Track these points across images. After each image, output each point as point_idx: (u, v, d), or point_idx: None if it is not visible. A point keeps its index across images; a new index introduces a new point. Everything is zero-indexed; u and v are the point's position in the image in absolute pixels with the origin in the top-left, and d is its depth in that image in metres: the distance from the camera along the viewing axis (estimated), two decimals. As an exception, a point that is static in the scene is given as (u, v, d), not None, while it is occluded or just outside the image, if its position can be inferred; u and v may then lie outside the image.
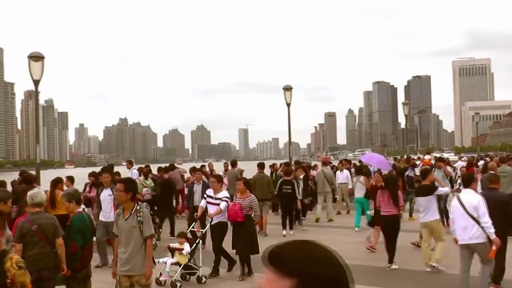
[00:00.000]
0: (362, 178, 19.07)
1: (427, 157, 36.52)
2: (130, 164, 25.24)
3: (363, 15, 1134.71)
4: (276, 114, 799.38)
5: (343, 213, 23.81)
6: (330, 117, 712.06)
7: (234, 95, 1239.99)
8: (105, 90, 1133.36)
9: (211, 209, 12.77)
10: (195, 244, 12.16)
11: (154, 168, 24.01)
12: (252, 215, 12.43)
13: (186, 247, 12.06)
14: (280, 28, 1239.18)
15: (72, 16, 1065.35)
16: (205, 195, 13.29)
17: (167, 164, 23.51)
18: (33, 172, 17.48)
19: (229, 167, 23.73)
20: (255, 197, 12.74)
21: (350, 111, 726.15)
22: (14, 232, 8.11)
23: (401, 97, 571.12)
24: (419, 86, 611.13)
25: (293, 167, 22.45)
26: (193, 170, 21.76)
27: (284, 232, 18.22)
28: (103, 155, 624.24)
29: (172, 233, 18.11)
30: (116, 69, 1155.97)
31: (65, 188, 16.07)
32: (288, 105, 29.57)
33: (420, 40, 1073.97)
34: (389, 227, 13.13)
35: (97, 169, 23.34)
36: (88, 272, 8.81)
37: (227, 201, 12.52)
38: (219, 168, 28.02)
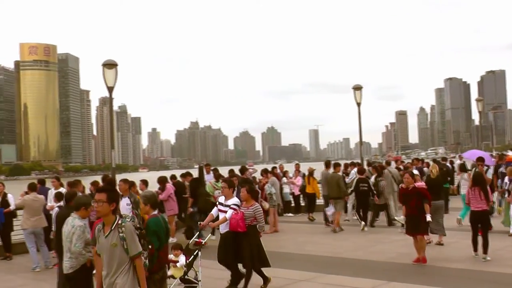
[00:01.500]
0: (466, 175, 19.71)
1: (510, 153, 35.67)
2: (208, 166, 25.14)
3: (432, 10, 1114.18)
4: (346, 114, 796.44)
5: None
6: (401, 115, 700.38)
7: (304, 96, 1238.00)
8: (176, 94, 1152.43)
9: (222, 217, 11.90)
10: (192, 256, 11.38)
11: (225, 171, 24.19)
12: (257, 226, 11.43)
13: (181, 260, 11.50)
14: (350, 27, 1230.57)
15: (144, 23, 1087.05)
16: (217, 202, 12.27)
17: (239, 167, 23.73)
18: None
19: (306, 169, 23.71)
20: (259, 206, 11.74)
21: (422, 109, 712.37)
22: (92, 234, 8.37)
23: (474, 93, 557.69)
24: (493, 82, 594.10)
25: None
26: (264, 172, 21.92)
27: (363, 225, 19.54)
28: (175, 159, 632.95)
29: None
30: (188, 73, 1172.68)
31: (140, 191, 16.46)
32: (359, 104, 29.38)
33: (493, 33, 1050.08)
34: (480, 222, 13.65)
35: (170, 173, 23.75)
36: (164, 274, 8.96)
37: (235, 209, 11.42)
38: (290, 169, 28.03)
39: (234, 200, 11.66)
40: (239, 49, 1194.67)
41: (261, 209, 11.69)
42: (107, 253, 6.84)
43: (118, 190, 14.20)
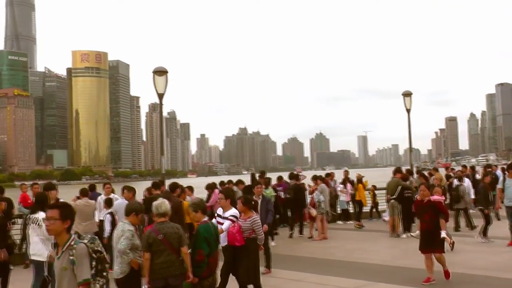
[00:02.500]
0: None
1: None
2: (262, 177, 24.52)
3: (484, 14, 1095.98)
4: (395, 120, 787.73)
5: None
6: (451, 121, 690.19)
7: (353, 102, 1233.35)
8: (225, 100, 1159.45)
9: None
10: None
11: (273, 177, 24.18)
12: (257, 239, 10.86)
13: None
14: (399, 32, 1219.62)
15: (193, 31, 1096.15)
16: (216, 214, 11.60)
17: (287, 173, 23.75)
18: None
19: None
20: (258, 218, 11.09)
21: (472, 115, 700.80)
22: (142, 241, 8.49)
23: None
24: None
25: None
26: (314, 178, 21.88)
27: (404, 236, 19.25)
28: (223, 164, 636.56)
29: (301, 231, 21.01)
30: (236, 79, 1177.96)
31: (187, 198, 16.58)
32: (408, 111, 29.05)
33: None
34: None
35: (219, 179, 23.84)
36: (213, 280, 8.99)
37: (232, 221, 10.77)
38: (339, 176, 27.86)
39: (232, 211, 10.96)
40: (287, 55, 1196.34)
41: (259, 221, 11.08)
42: (57, 277, 5.88)
43: (125, 197, 14.39)
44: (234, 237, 10.44)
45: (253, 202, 12.05)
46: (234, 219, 10.77)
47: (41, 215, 10.19)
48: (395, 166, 24.04)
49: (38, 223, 10.26)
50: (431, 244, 12.05)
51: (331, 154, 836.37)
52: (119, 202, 14.79)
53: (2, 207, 13.11)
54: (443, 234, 12.02)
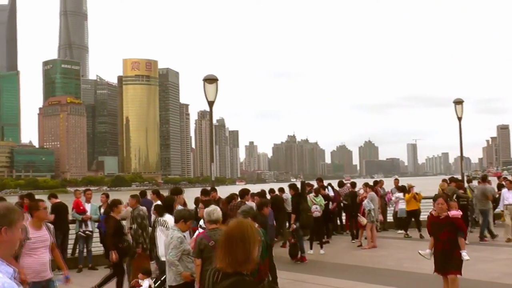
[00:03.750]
0: None
1: None
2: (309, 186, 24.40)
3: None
4: (445, 128, 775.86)
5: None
6: (503, 130, 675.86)
7: (402, 109, 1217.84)
8: (273, 108, 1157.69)
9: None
10: (159, 282, 10.52)
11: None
12: None
13: (145, 284, 11.26)
14: (446, 38, 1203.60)
15: (244, 38, 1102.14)
16: (199, 225, 11.01)
17: (336, 181, 23.71)
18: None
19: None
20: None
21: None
22: (193, 246, 8.60)
23: None
24: None
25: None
26: (365, 185, 21.79)
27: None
28: (272, 172, 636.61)
29: (355, 237, 21.40)
30: (285, 87, 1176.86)
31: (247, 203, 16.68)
32: (459, 119, 28.64)
33: None
34: None
35: (267, 186, 23.84)
36: (264, 286, 9.02)
37: None
38: (388, 184, 27.56)
39: None
40: (336, 62, 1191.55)
41: None
42: None
43: (129, 205, 14.37)
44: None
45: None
46: None
47: (168, 217, 10.74)
48: (446, 175, 23.79)
49: (166, 226, 10.59)
50: (448, 264, 10.56)
51: (380, 162, 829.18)
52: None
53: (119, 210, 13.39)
54: (465, 256, 10.49)
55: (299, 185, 19.41)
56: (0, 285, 3.10)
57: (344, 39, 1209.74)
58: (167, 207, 11.35)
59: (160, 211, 11.29)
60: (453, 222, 10.58)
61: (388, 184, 27.79)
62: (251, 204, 16.12)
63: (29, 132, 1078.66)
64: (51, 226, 8.99)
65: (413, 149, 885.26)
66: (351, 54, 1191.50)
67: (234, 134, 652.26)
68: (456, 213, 11.08)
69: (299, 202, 17.99)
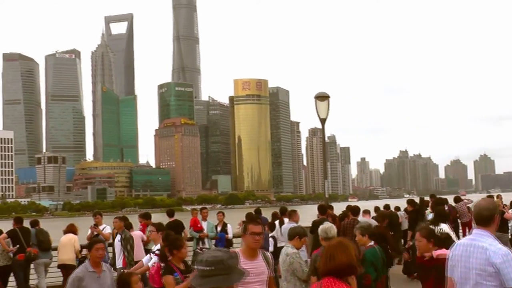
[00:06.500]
0: None
1: None
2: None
3: None
4: None
5: None
6: None
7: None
8: (385, 123, 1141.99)
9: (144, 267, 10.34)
10: None
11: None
12: None
13: None
14: None
15: (352, 55, 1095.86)
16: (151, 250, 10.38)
17: (451, 196, 23.06)
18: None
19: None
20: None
21: None
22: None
23: None
24: None
25: None
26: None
27: None
28: (384, 188, 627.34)
29: None
30: (396, 102, 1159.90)
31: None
32: None
33: None
34: None
35: (381, 202, 23.49)
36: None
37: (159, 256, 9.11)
38: (507, 198, 26.52)
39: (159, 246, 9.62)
40: (444, 76, 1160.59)
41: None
42: None
43: (115, 227, 14.60)
44: (153, 278, 8.71)
45: None
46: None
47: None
48: None
49: None
50: None
51: (497, 176, 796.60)
52: (286, 226, 14.98)
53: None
54: None
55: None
56: None
57: (455, 51, 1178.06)
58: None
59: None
60: (439, 266, 7.20)
61: (506, 198, 26.73)
62: (365, 219, 16.00)
63: (146, 153, 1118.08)
64: (269, 256, 7.09)
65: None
66: (463, 66, 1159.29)
67: (346, 151, 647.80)
68: (441, 252, 7.87)
69: (417, 218, 17.61)
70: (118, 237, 14.19)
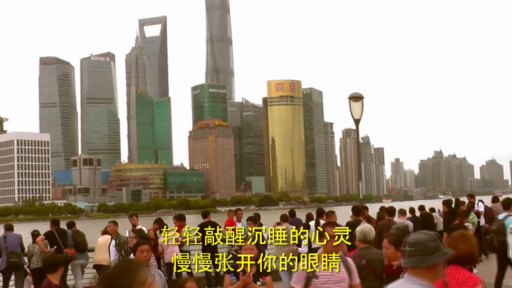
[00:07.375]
0: None
1: None
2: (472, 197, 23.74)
3: None
4: None
5: None
6: None
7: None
8: (418, 123, 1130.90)
9: None
10: None
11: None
12: None
13: None
14: None
15: (386, 54, 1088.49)
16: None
17: (487, 197, 22.78)
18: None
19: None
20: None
21: None
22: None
23: None
24: None
25: None
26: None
27: None
28: (419, 189, 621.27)
29: None
30: (429, 101, 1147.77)
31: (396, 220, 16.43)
32: None
33: None
34: None
35: (415, 203, 23.28)
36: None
37: None
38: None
39: None
40: (475, 74, 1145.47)
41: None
42: None
43: (109, 231, 14.54)
44: None
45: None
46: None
47: None
48: None
49: None
50: None
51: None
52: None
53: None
54: None
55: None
56: None
57: (490, 49, 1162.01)
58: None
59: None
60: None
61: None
62: (401, 221, 15.86)
63: (180, 155, 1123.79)
64: (350, 262, 6.89)
65: None
66: (498, 63, 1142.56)
67: (380, 151, 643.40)
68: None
69: (452, 219, 17.41)
70: (113, 242, 14.13)
